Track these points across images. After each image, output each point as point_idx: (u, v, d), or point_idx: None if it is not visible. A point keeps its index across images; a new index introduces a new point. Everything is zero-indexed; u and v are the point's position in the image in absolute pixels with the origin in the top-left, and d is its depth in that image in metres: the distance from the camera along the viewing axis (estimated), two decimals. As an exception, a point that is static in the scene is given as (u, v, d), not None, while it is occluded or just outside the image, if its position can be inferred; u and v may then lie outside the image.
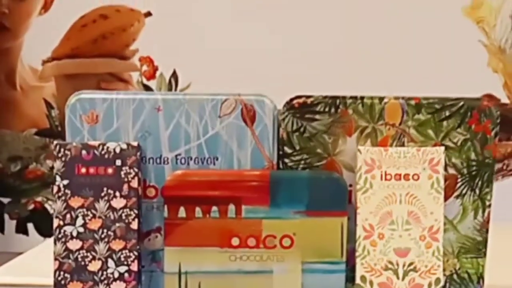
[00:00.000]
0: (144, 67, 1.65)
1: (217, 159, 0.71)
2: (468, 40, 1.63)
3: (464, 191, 0.70)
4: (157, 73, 1.64)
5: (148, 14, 1.58)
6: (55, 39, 1.58)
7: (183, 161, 0.71)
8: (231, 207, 0.68)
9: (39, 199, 1.66)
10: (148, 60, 1.65)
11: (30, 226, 1.66)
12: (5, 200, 1.67)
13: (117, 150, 0.69)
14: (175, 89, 1.56)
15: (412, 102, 0.70)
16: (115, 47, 1.61)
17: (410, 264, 0.68)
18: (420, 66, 1.56)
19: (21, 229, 1.68)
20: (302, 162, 0.71)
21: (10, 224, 1.66)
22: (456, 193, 0.71)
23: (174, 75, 1.63)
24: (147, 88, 1.63)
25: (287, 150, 0.71)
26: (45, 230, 1.64)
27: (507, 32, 1.65)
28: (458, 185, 0.70)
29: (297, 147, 0.70)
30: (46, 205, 1.67)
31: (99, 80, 1.58)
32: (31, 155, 1.64)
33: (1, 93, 1.65)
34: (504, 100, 1.60)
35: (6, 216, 1.67)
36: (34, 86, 1.67)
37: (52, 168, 0.65)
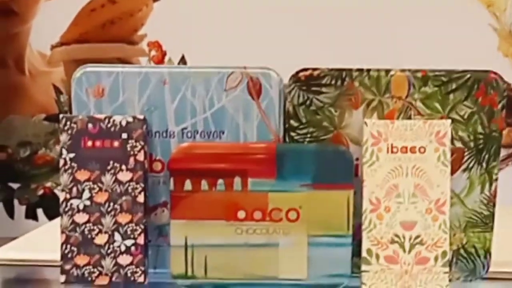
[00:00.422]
0: (153, 52, 1.65)
1: (223, 132, 0.71)
2: (478, 23, 1.62)
3: (471, 165, 0.70)
4: (166, 58, 1.64)
5: (157, -2, 1.58)
6: (64, 24, 1.58)
7: (189, 135, 0.71)
8: (237, 180, 0.68)
9: (48, 184, 1.66)
10: (156, 45, 1.65)
11: (40, 211, 1.66)
12: (15, 186, 1.67)
13: (123, 123, 0.69)
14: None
15: (419, 75, 0.70)
16: (123, 32, 1.61)
17: (417, 237, 0.67)
18: (429, 49, 1.56)
19: (31, 215, 1.68)
20: (308, 135, 0.70)
21: (19, 210, 1.66)
22: (463, 167, 0.70)
23: (183, 60, 1.63)
24: (156, 75, 1.62)
25: (293, 123, 0.70)
26: (54, 216, 1.64)
27: (517, 16, 1.64)
28: (465, 158, 0.70)
29: (303, 120, 0.70)
30: (56, 191, 1.67)
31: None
32: (40, 140, 1.64)
33: (10, 78, 1.65)
34: (514, 85, 1.59)
35: (15, 202, 1.67)
36: (43, 71, 1.67)
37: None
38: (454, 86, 0.69)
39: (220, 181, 0.68)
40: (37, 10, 1.61)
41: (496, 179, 0.70)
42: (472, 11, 1.57)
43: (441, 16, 1.54)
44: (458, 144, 0.70)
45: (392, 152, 0.68)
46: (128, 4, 1.59)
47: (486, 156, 0.70)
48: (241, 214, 0.68)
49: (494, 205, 0.70)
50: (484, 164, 0.70)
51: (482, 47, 1.58)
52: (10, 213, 1.66)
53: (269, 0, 1.49)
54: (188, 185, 0.68)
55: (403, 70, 0.70)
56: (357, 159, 0.69)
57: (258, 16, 1.48)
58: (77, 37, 1.58)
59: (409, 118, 0.70)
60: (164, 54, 1.63)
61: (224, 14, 1.54)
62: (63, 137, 0.69)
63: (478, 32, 1.58)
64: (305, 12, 1.46)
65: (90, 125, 0.69)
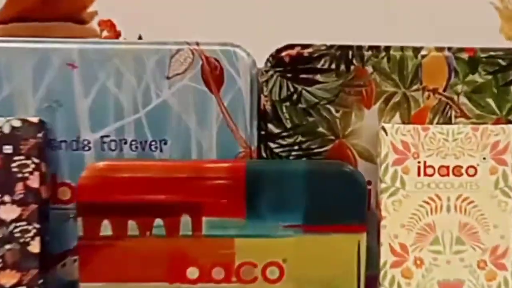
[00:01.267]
0: (105, 33, 1.42)
1: (165, 142, 0.47)
2: (478, 1, 1.40)
3: (539, 192, 0.47)
4: (120, 39, 1.42)
5: (108, -30, 1.34)
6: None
7: (112, 146, 0.47)
8: (185, 220, 0.44)
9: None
10: (109, 24, 1.42)
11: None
12: None
13: (6, 130, 0.45)
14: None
15: (464, 56, 0.46)
16: (71, 10, 1.38)
17: (465, 306, 0.44)
18: (426, 29, 1.33)
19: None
20: (296, 147, 0.47)
21: None
22: (527, 194, 0.47)
23: (140, 41, 1.42)
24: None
25: (273, 129, 0.47)
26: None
27: (521, -6, 1.43)
28: (531, 182, 0.47)
29: (289, 125, 0.47)
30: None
31: (53, 47, 1.35)
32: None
33: None
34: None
35: None
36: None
37: None
38: (517, 73, 0.46)
39: (158, 221, 0.44)
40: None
41: None
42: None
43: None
44: (521, 161, 0.47)
45: (425, 174, 0.45)
46: (74, -24, 1.36)
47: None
48: (192, 272, 0.44)
49: None
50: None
51: (482, 28, 1.38)
52: None
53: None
54: (106, 228, 0.43)
55: (440, 49, 0.47)
56: (369, 182, 0.46)
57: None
58: (16, 15, 1.35)
59: (449, 121, 0.46)
60: (118, 34, 1.42)
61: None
62: None
63: (478, 12, 1.38)
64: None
65: (-46, 132, 0.44)
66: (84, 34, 1.42)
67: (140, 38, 1.42)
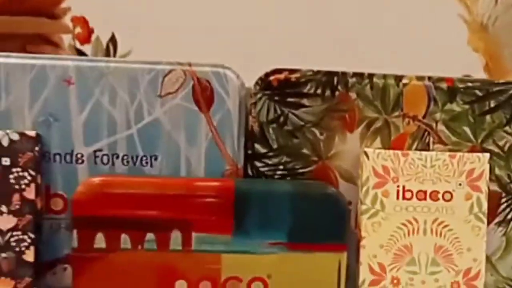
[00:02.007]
0: (77, 29, 1.40)
1: (155, 158, 0.49)
2: (447, 14, 1.43)
3: (509, 216, 0.49)
4: (93, 37, 1.40)
5: (80, -35, 1.33)
6: (-34, -8, 1.32)
7: (105, 160, 0.48)
8: (176, 235, 0.45)
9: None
10: (82, 20, 1.40)
11: None
12: None
13: (5, 143, 0.46)
14: (114, 57, 1.31)
15: (443, 86, 0.49)
16: (43, 4, 1.36)
17: (437, 324, 0.46)
18: (392, 42, 1.35)
19: None
20: (281, 167, 0.49)
21: None
22: (497, 219, 0.49)
23: (113, 39, 1.39)
24: (81, 54, 1.38)
25: (260, 149, 0.49)
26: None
27: (490, 8, 1.46)
28: (502, 207, 0.49)
29: (274, 145, 0.48)
30: None
31: (24, 41, 1.33)
32: None
33: None
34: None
35: None
36: None
37: None
38: (492, 104, 0.49)
39: (150, 235, 0.45)
40: None
41: (542, 237, 0.50)
42: (441, -1, 1.38)
43: (406, 3, 1.34)
44: (494, 187, 0.49)
45: (404, 198, 0.47)
46: (46, -29, 1.35)
47: (531, 205, 0.49)
48: (181, 285, 0.46)
49: (536, 272, 0.50)
50: (527, 216, 0.49)
51: (450, 40, 1.40)
52: None
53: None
54: (100, 240, 0.45)
55: (420, 78, 0.49)
56: (349, 202, 0.48)
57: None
58: (-13, 9, 1.34)
59: (428, 147, 0.49)
60: (91, 31, 1.40)
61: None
62: None
63: (446, 24, 1.40)
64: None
65: (-48, 144, 0.45)
66: (55, 30, 1.41)
67: (113, 36, 1.41)
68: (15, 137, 0.46)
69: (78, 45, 1.41)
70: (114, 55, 1.37)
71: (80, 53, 1.39)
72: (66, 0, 1.38)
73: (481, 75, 1.49)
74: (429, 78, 0.49)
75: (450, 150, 0.48)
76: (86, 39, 1.41)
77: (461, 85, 0.49)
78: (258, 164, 0.49)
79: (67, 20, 1.40)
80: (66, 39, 1.38)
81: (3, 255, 0.46)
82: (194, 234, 0.45)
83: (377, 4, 1.26)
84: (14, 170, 0.46)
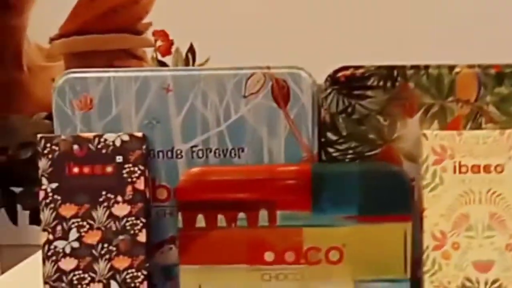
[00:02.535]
0: (159, 42, 1.50)
1: (242, 150, 0.56)
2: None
3: (558, 184, 0.55)
4: (173, 48, 1.50)
5: (161, -16, 1.43)
6: (63, 15, 1.45)
7: (200, 154, 0.57)
8: (263, 213, 0.53)
9: (53, 187, 1.52)
10: (162, 34, 1.51)
11: (45, 216, 1.53)
12: (17, 190, 1.54)
13: (118, 143, 0.55)
14: (193, 65, 1.41)
15: (492, 71, 0.55)
16: (127, 21, 1.47)
17: (495, 281, 0.53)
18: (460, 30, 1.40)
19: (35, 220, 1.54)
20: (351, 151, 0.56)
21: (23, 215, 1.53)
22: (548, 187, 0.55)
23: (191, 49, 1.49)
24: (163, 65, 1.48)
25: (331, 136, 0.56)
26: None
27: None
28: (551, 176, 0.55)
29: (344, 133, 0.56)
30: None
31: (111, 57, 1.44)
32: (42, 140, 1.51)
33: (8, 75, 1.52)
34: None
35: (19, 207, 1.54)
36: (42, 66, 1.53)
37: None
38: (537, 84, 0.55)
39: (241, 215, 0.53)
40: (34, 0, 1.48)
41: None
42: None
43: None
44: (542, 159, 0.55)
45: (460, 172, 0.53)
46: (131, -9, 1.45)
47: None
48: (269, 256, 0.53)
49: None
50: None
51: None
52: (13, 219, 1.53)
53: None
54: (200, 221, 0.53)
55: (471, 66, 0.55)
56: (413, 179, 0.55)
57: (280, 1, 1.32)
58: (77, 28, 1.45)
59: (480, 126, 0.55)
60: (171, 43, 1.50)
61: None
62: (42, 163, 0.54)
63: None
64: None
65: (75, 147, 0.55)
66: (139, 44, 1.52)
67: (191, 46, 1.50)
68: (126, 138, 0.55)
69: (160, 57, 1.51)
70: (193, 64, 1.47)
71: (162, 64, 1.49)
72: (148, 16, 1.49)
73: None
74: (479, 66, 0.55)
75: (500, 128, 0.55)
76: (167, 51, 1.51)
77: (508, 70, 0.55)
78: (330, 150, 0.56)
79: (149, 34, 1.51)
80: (149, 52, 1.49)
81: (121, 237, 0.55)
82: (278, 212, 0.53)
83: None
84: (126, 166, 0.55)
